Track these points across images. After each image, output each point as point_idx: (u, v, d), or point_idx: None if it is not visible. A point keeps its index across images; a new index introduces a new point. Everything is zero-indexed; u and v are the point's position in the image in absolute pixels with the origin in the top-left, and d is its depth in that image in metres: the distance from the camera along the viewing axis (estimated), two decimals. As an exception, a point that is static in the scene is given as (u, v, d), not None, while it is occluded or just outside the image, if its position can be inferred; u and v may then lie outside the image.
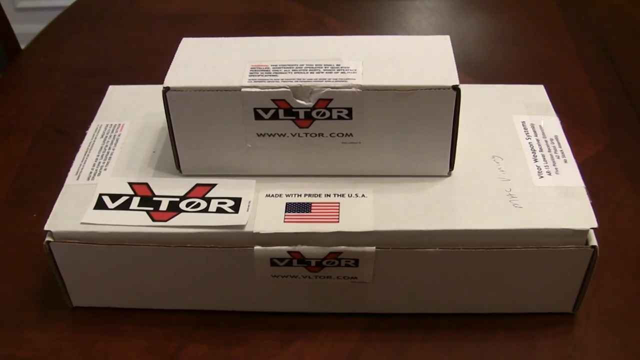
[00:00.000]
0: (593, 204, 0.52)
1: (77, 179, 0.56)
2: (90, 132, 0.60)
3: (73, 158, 0.58)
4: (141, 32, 0.94)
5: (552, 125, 0.60)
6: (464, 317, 0.56)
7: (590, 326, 0.55)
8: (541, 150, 0.57)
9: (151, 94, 0.62)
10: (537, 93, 0.63)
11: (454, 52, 0.55)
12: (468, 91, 0.57)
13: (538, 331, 0.55)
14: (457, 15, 0.95)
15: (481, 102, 0.62)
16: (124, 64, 0.87)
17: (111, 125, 0.61)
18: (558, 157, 0.56)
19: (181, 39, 0.57)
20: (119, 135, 0.60)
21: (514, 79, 0.82)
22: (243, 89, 0.51)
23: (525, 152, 0.57)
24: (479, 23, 0.93)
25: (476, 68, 0.83)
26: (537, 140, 0.58)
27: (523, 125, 0.59)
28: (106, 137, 0.60)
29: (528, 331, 0.55)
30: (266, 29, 0.92)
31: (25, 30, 1.09)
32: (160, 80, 0.52)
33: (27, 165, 0.72)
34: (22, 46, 0.91)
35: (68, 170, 0.57)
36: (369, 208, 0.52)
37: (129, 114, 0.62)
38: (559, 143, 0.58)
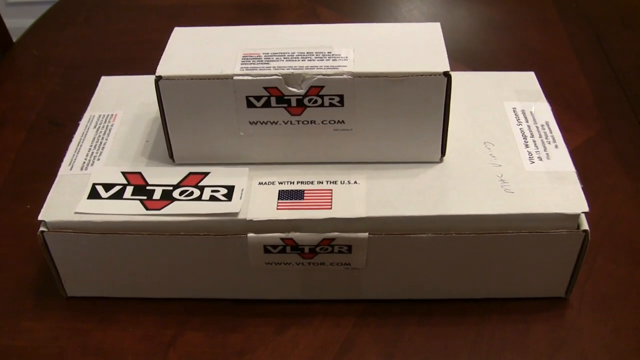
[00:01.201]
0: (585, 189, 0.53)
1: (71, 169, 0.56)
2: (83, 122, 0.61)
3: (67, 149, 0.58)
4: (134, 23, 0.94)
5: (543, 111, 0.60)
6: (458, 302, 0.56)
7: (583, 310, 0.55)
8: (532, 135, 0.57)
9: (144, 84, 0.63)
10: (528, 80, 0.64)
11: (445, 41, 0.55)
12: (459, 78, 0.58)
13: (532, 315, 0.55)
14: (448, 4, 0.95)
15: (472, 88, 0.62)
16: (118, 55, 0.87)
17: (104, 115, 0.61)
18: (549, 143, 0.57)
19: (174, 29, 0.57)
20: (111, 126, 0.60)
21: (505, 67, 0.81)
22: (235, 77, 0.51)
23: (517, 137, 0.57)
24: (470, 11, 0.93)
25: (468, 56, 0.84)
26: (528, 126, 0.58)
27: (514, 112, 0.60)
28: (99, 127, 0.60)
29: (522, 315, 0.55)
30: (259, 19, 0.92)
31: (17, 24, 1.09)
32: (153, 72, 0.52)
33: (22, 157, 0.72)
34: (14, 38, 0.91)
35: (64, 157, 0.57)
36: (361, 194, 0.52)
37: (121, 104, 0.62)
38: (549, 129, 0.58)
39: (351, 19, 0.92)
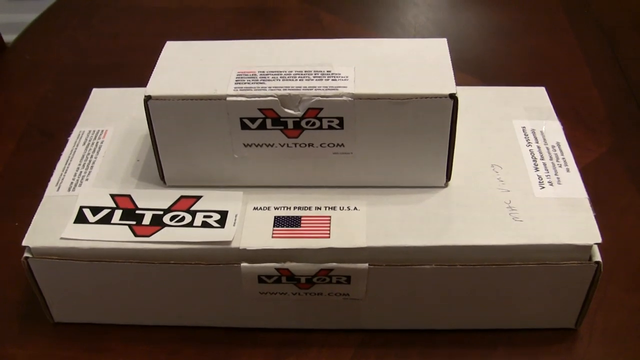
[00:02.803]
0: (596, 211, 0.50)
1: (58, 189, 0.54)
2: (72, 138, 0.58)
3: (55, 166, 0.56)
4: (131, 27, 0.91)
5: (554, 130, 0.57)
6: (463, 333, 0.53)
7: (594, 342, 0.53)
8: (542, 158, 0.54)
9: (136, 97, 0.59)
10: (538, 96, 0.61)
11: (451, 50, 0.52)
12: (466, 94, 0.55)
13: (540, 348, 0.52)
14: (455, 10, 0.92)
15: (480, 105, 0.60)
16: (113, 61, 0.84)
17: (94, 131, 0.58)
18: (560, 166, 0.54)
19: (171, 34, 0.55)
20: (101, 143, 0.57)
21: (514, 76, 0.79)
22: (228, 98, 0.48)
23: (526, 160, 0.54)
24: (478, 18, 0.90)
25: (475, 66, 0.81)
26: (538, 147, 0.55)
27: (523, 131, 0.57)
28: (88, 144, 0.57)
29: (529, 348, 0.53)
30: (259, 24, 0.90)
31: (15, 20, 1.06)
32: (148, 81, 0.50)
33: (11, 169, 0.69)
34: (7, 40, 0.88)
35: (51, 176, 0.55)
36: (361, 222, 0.50)
37: (112, 119, 0.60)
38: (560, 150, 0.55)
39: (355, 25, 0.89)
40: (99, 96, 0.63)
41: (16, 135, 0.73)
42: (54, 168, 0.56)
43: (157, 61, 0.52)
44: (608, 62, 0.81)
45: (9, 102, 0.79)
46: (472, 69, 0.79)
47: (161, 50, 0.53)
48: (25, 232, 0.50)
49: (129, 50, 0.86)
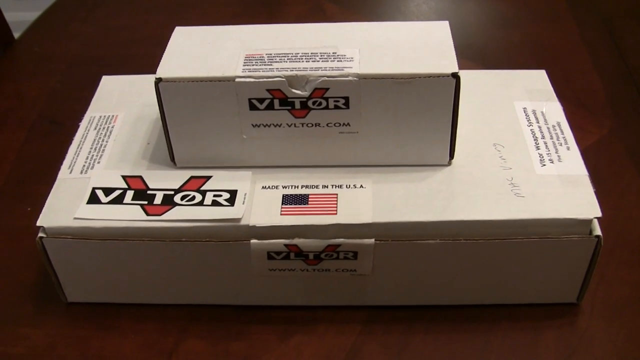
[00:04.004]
0: (597, 192, 0.51)
1: (70, 172, 0.55)
2: (83, 124, 0.59)
3: (67, 151, 0.57)
4: (137, 19, 0.92)
5: (554, 111, 0.58)
6: (467, 308, 0.55)
7: (595, 316, 0.54)
8: (543, 137, 0.56)
9: (145, 83, 0.61)
10: (539, 78, 0.62)
11: (453, 36, 0.53)
12: (468, 77, 0.56)
13: (542, 322, 0.54)
14: (457, -2, 0.94)
15: (482, 88, 0.61)
16: (120, 52, 0.86)
17: (105, 116, 0.60)
18: (560, 145, 0.55)
19: (178, 25, 0.56)
20: (112, 127, 0.59)
21: (515, 63, 0.80)
22: (237, 79, 0.50)
23: (527, 139, 0.55)
24: (479, 6, 0.92)
25: (477, 52, 0.82)
26: (539, 127, 0.57)
27: (524, 112, 0.58)
28: (99, 129, 0.59)
29: (532, 322, 0.54)
30: (263, 14, 0.91)
31: (21, 18, 1.07)
32: (155, 70, 0.51)
33: (22, 157, 0.71)
34: (15, 35, 0.90)
35: (63, 160, 0.56)
36: (367, 199, 0.51)
37: (122, 104, 0.61)
38: (561, 130, 0.56)
39: (357, 14, 0.90)
40: (108, 83, 0.64)
41: (27, 125, 0.74)
42: (65, 154, 0.57)
43: (164, 50, 0.53)
44: (607, 48, 0.82)
45: (18, 94, 0.80)
46: (473, 56, 0.81)
47: (166, 41, 0.54)
48: (38, 216, 0.51)
49: (135, 42, 0.87)
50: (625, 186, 0.64)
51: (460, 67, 0.50)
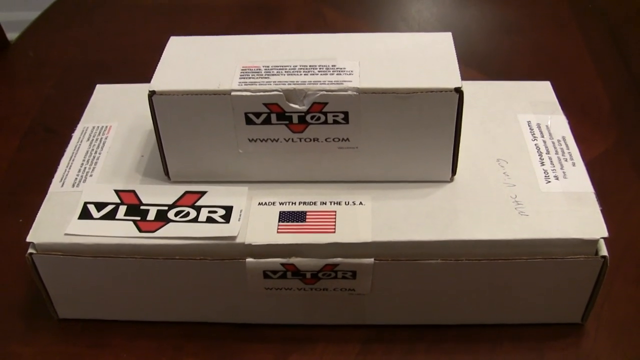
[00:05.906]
0: (602, 208, 0.50)
1: (62, 185, 0.53)
2: (76, 135, 0.58)
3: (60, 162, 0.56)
4: (134, 24, 0.91)
5: (560, 125, 0.57)
6: (469, 328, 0.53)
7: (600, 337, 0.53)
8: (548, 152, 0.54)
9: (140, 93, 0.59)
10: (544, 90, 0.61)
11: (456, 44, 0.52)
12: (471, 88, 0.54)
13: (546, 343, 0.52)
14: (459, 4, 0.92)
15: (485, 99, 0.59)
16: (116, 58, 0.84)
17: (98, 127, 0.58)
18: (566, 160, 0.54)
19: (175, 31, 0.55)
20: (105, 139, 0.57)
21: (519, 71, 0.79)
22: (233, 93, 0.48)
23: (532, 154, 0.54)
24: (482, 13, 0.90)
25: (480, 61, 0.80)
26: (544, 142, 0.55)
27: (529, 125, 0.57)
28: (92, 140, 0.57)
29: (535, 343, 0.52)
30: (262, 20, 0.89)
31: (14, 17, 1.06)
32: (151, 77, 0.50)
33: (15, 166, 0.69)
34: (9, 37, 0.88)
35: (55, 172, 0.55)
36: (367, 217, 0.49)
37: (116, 115, 0.60)
38: (566, 145, 0.55)
39: (358, 20, 0.88)
40: (102, 92, 0.62)
41: (20, 132, 0.73)
42: (58, 164, 0.55)
43: (160, 57, 0.52)
44: (612, 56, 0.81)
45: (12, 99, 0.78)
46: (476, 64, 0.79)
47: (164, 46, 0.53)
48: (30, 228, 0.50)
49: (132, 47, 0.86)
50: (631, 199, 0.63)
51: (463, 76, 0.49)
